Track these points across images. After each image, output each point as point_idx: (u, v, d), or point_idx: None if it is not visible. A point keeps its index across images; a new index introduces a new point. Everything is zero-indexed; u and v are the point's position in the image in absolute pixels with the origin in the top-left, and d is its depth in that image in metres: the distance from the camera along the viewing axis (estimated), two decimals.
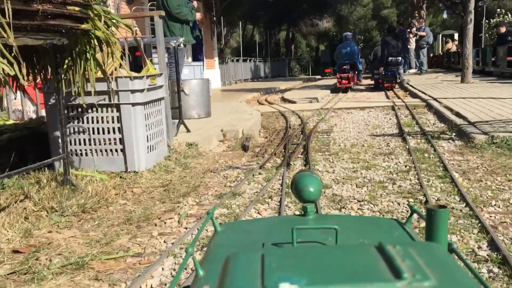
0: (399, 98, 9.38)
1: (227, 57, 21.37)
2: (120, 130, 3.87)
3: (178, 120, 5.36)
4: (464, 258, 0.63)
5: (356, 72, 13.03)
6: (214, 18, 16.92)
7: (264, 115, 7.48)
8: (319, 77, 25.05)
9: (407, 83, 11.77)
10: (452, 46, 22.05)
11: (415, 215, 0.85)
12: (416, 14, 19.37)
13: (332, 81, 18.64)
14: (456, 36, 24.88)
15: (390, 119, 6.51)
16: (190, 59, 13.27)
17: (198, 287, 0.60)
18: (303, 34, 35.08)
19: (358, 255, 0.55)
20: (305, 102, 9.49)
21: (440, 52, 24.43)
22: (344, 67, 12.03)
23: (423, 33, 16.30)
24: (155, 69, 4.33)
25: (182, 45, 5.17)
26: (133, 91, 3.79)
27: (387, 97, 10.01)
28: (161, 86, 4.24)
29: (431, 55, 23.47)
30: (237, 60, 20.04)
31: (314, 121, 6.65)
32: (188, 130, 5.43)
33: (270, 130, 6.16)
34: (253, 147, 5.10)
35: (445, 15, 41.92)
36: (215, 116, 6.92)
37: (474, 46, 16.47)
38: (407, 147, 4.45)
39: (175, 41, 5.07)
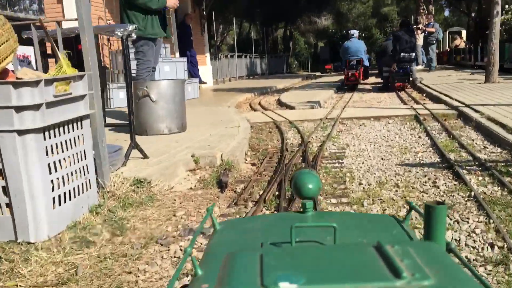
0: (417, 102, 7.81)
1: (221, 53, 19.77)
2: (2, 173, 2.30)
3: (131, 141, 3.78)
4: (462, 258, 0.59)
5: (363, 68, 12.18)
6: (204, 13, 15.41)
7: (255, 127, 5.88)
8: (318, 74, 23.75)
9: (420, 82, 10.43)
10: (460, 43, 21.25)
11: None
12: (422, 11, 18.07)
13: (333, 78, 17.22)
14: (464, 33, 24.07)
15: (420, 137, 4.91)
16: (177, 55, 11.72)
17: (197, 286, 0.57)
18: (301, 32, 33.73)
19: (357, 254, 0.55)
20: (305, 107, 7.91)
21: (447, 48, 23.65)
22: (352, 63, 11.57)
23: (432, 29, 15.43)
24: (75, 68, 2.73)
25: (134, 34, 3.58)
26: (18, 109, 2.21)
27: (402, 100, 8.44)
28: (82, 97, 2.64)
29: (437, 51, 22.37)
30: (231, 56, 18.33)
31: (318, 138, 5.05)
32: (145, 156, 3.86)
33: (260, 152, 4.56)
34: (235, 182, 3.54)
35: (446, 13, 40.74)
36: (192, 128, 5.35)
37: (482, 43, 15.19)
38: (472, 193, 2.84)
39: (122, 29, 3.47)
